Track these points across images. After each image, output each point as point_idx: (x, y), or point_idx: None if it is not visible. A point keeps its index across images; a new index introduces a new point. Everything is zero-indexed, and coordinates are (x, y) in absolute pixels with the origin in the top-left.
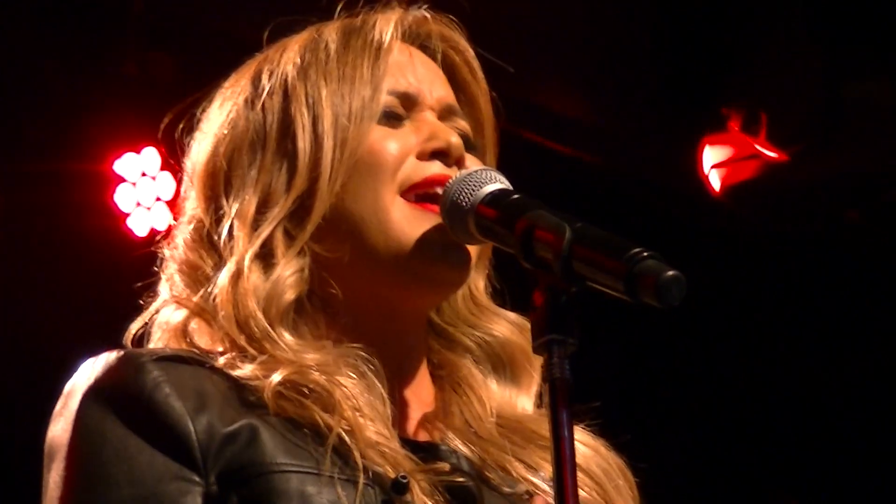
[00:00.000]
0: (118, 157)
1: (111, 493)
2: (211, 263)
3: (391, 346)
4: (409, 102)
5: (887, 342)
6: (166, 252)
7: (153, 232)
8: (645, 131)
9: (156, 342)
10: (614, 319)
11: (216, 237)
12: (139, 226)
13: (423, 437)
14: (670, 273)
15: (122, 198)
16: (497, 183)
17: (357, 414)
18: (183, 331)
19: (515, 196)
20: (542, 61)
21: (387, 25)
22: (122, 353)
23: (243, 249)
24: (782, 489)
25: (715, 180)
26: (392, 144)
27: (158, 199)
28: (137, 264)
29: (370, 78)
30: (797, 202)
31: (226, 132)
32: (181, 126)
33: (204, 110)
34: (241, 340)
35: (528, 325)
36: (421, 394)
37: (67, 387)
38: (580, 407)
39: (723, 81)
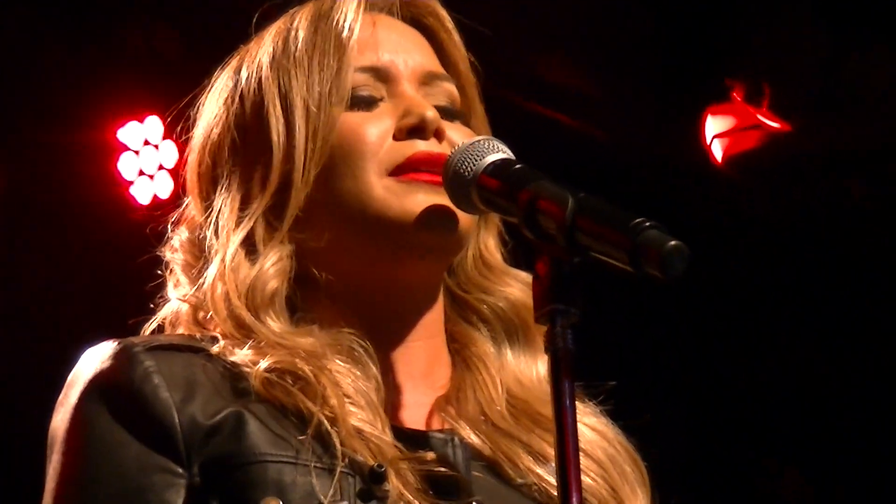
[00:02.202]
0: (121, 125)
1: (97, 486)
2: (203, 260)
3: (389, 327)
4: (382, 77)
5: (890, 313)
6: (168, 254)
7: (156, 200)
8: (648, 102)
9: (170, 330)
10: (614, 292)
11: (207, 235)
12: (142, 194)
13: (432, 424)
14: (673, 243)
15: (125, 166)
16: (499, 153)
17: (345, 401)
18: (193, 318)
19: (518, 166)
20: (545, 33)
21: (353, 1)
22: (116, 343)
23: (226, 245)
24: (782, 459)
25: (717, 151)
26: (366, 130)
27: (161, 167)
28: (140, 232)
29: (336, 61)
30: (800, 172)
31: (211, 130)
32: (184, 114)
33: (200, 104)
34: (231, 331)
35: None
36: (432, 378)
37: (69, 377)
38: (590, 388)
39: (726, 52)
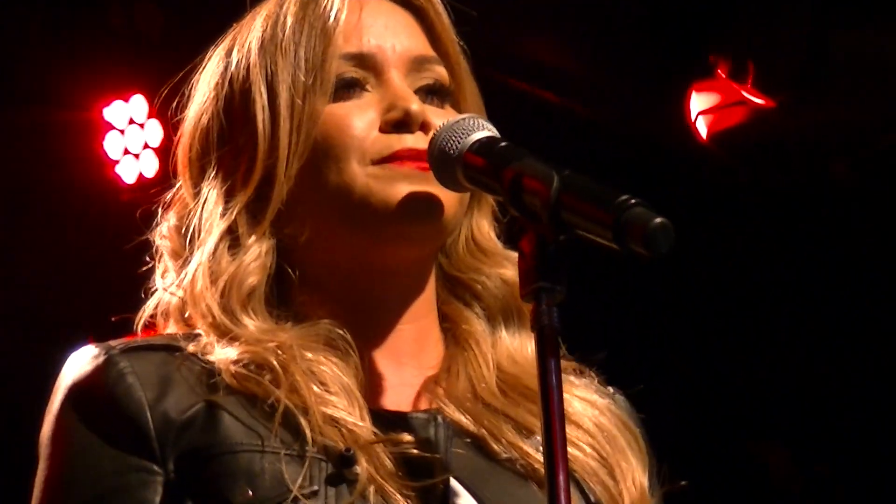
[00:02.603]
0: (106, 104)
1: (73, 491)
2: (189, 251)
3: (374, 314)
4: (368, 64)
5: (874, 289)
6: (157, 240)
7: (141, 179)
8: (632, 79)
9: (163, 328)
10: (599, 269)
11: (193, 224)
12: (127, 173)
13: (419, 405)
14: (658, 221)
15: (111, 145)
16: (484, 130)
17: (320, 388)
18: (181, 315)
19: (503, 144)
20: (530, 11)
21: None
22: (95, 347)
23: (209, 238)
24: (772, 438)
25: (702, 127)
26: (351, 122)
27: (146, 146)
28: (126, 211)
29: (322, 51)
30: (784, 149)
31: (200, 116)
32: (176, 103)
33: (191, 89)
34: (207, 325)
35: None
36: (421, 359)
37: (56, 383)
38: (581, 361)
39: (710, 29)
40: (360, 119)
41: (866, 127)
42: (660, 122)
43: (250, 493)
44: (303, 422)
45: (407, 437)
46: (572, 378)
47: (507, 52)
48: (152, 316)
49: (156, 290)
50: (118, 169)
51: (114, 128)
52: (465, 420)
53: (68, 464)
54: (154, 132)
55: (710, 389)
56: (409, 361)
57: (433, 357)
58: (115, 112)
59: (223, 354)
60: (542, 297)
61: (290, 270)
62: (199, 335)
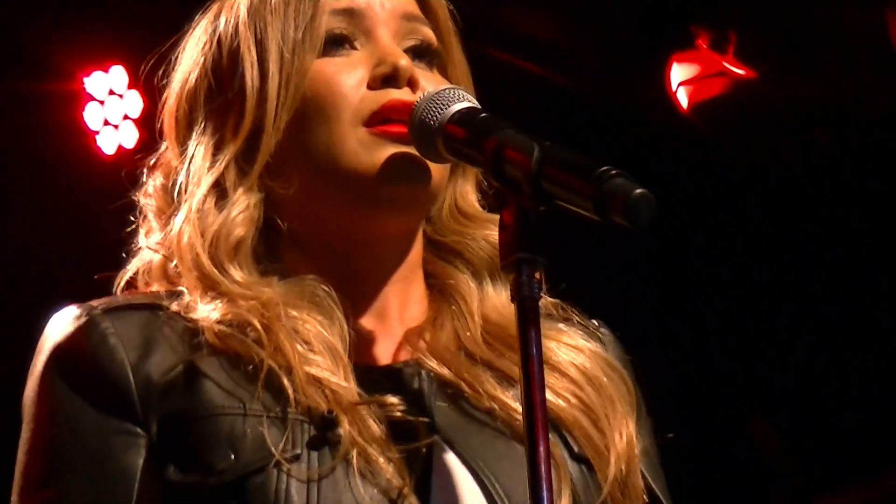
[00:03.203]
0: (86, 75)
1: (56, 455)
2: (174, 206)
3: (360, 272)
4: (356, 20)
5: (859, 260)
6: (142, 199)
7: (121, 150)
8: (613, 48)
9: (143, 286)
10: (582, 240)
11: (180, 181)
12: (107, 144)
13: (399, 358)
14: (639, 192)
15: (91, 116)
16: (465, 101)
17: (304, 348)
18: (164, 273)
19: (483, 115)
20: None
21: None
22: (76, 308)
23: (198, 191)
24: (761, 417)
25: (683, 98)
26: (340, 79)
27: (126, 116)
28: (107, 181)
29: (311, 6)
30: (765, 120)
31: (187, 76)
32: (161, 71)
33: (178, 54)
34: (194, 279)
35: None
36: (405, 312)
37: (38, 345)
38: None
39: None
40: (349, 76)
41: (848, 97)
42: (641, 93)
43: (233, 457)
44: (286, 383)
45: (391, 398)
46: (560, 325)
47: (488, 22)
48: (133, 277)
49: (139, 250)
50: (98, 139)
51: (94, 98)
52: (445, 372)
53: (52, 427)
54: (134, 103)
55: (699, 366)
56: (392, 318)
57: (417, 313)
58: (95, 83)
59: (206, 313)
60: (523, 268)
61: (278, 224)
62: (182, 293)
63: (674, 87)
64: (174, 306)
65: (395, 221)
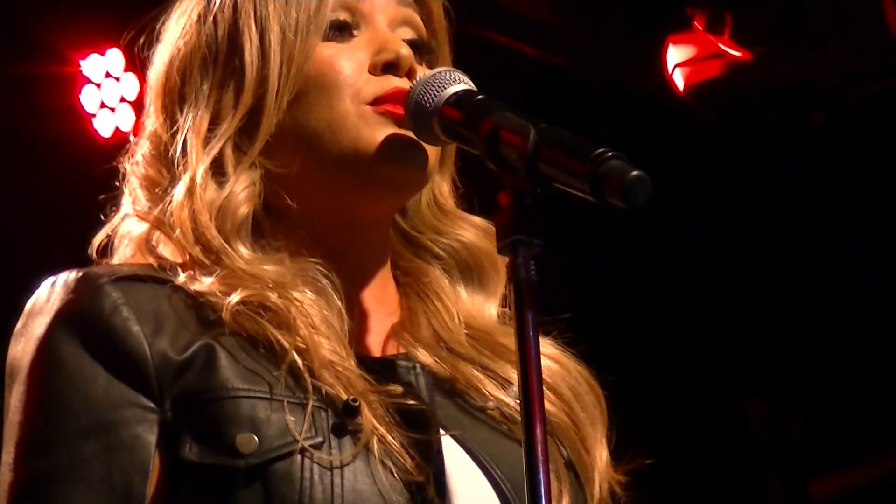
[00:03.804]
0: (83, 58)
1: (67, 420)
2: (169, 178)
3: (351, 257)
4: (356, 8)
5: (850, 240)
6: (127, 166)
7: (118, 132)
8: (609, 30)
9: (119, 254)
10: (578, 223)
11: (173, 153)
12: (104, 126)
13: (388, 350)
14: (635, 173)
15: (87, 99)
16: (461, 84)
17: (312, 332)
18: (146, 242)
19: (480, 97)
20: None
21: None
22: (80, 273)
23: (195, 165)
24: (745, 389)
25: (679, 80)
26: (343, 62)
27: (123, 99)
28: (104, 164)
29: None
30: (762, 102)
31: (180, 47)
32: (142, 39)
33: (163, 22)
34: (198, 254)
35: (494, 230)
36: (386, 304)
37: (28, 305)
38: (548, 318)
39: None
40: (350, 60)
41: (844, 78)
42: (636, 75)
43: (256, 440)
44: (304, 367)
45: (399, 388)
46: (548, 340)
47: (484, 4)
48: (108, 241)
49: (125, 217)
50: (95, 122)
51: (90, 81)
52: (438, 367)
53: (60, 389)
54: (131, 86)
55: (690, 341)
56: (377, 308)
57: (394, 306)
58: (92, 65)
59: (217, 289)
60: (519, 250)
61: (281, 200)
62: (175, 266)
63: (670, 68)
64: (179, 280)
65: (388, 201)
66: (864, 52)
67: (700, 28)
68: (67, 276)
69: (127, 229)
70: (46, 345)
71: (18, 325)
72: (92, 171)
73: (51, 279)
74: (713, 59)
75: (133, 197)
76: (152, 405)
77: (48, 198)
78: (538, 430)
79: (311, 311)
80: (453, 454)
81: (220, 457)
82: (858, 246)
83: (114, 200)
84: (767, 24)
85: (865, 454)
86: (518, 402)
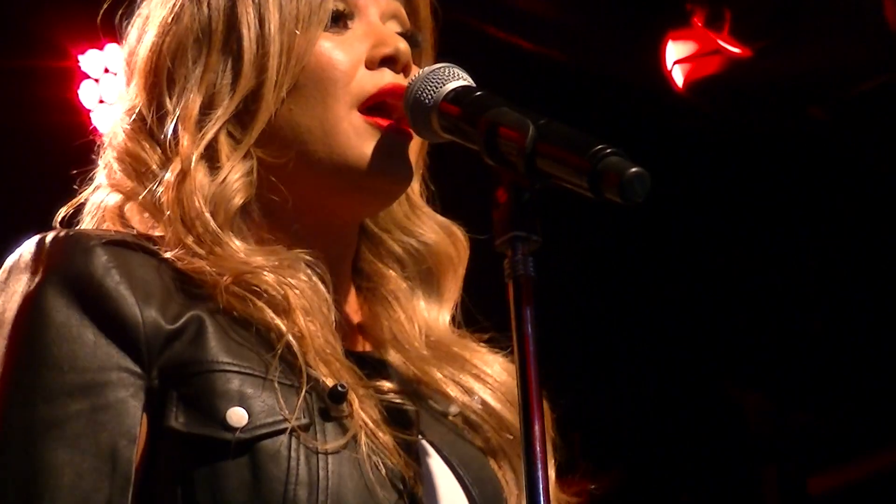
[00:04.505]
0: (81, 53)
1: (53, 376)
2: (156, 158)
3: (329, 253)
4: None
5: (850, 235)
6: (105, 139)
7: None
8: (608, 27)
9: (87, 224)
10: (576, 216)
11: (159, 133)
12: (102, 122)
13: (361, 347)
14: (634, 170)
15: (86, 94)
16: (460, 80)
17: (307, 319)
18: (119, 213)
19: (478, 93)
20: None
21: None
22: (70, 232)
23: (188, 149)
24: (744, 384)
25: (678, 76)
26: (341, 56)
27: None
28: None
29: None
30: (761, 98)
31: (170, 26)
32: (120, 11)
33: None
34: (189, 240)
35: (456, 229)
36: (351, 303)
37: (9, 261)
38: (498, 336)
39: None
40: (347, 53)
41: (843, 74)
42: (636, 70)
43: (247, 417)
44: (298, 351)
45: (387, 384)
46: (500, 356)
47: None
48: (79, 210)
49: (93, 185)
50: (93, 117)
51: (88, 76)
52: (405, 368)
53: (48, 343)
54: None
55: (689, 336)
56: (344, 306)
57: (356, 306)
58: (90, 61)
59: (212, 267)
60: (518, 247)
61: (272, 191)
62: (159, 240)
63: (669, 65)
64: (167, 254)
65: (370, 207)
66: (862, 48)
67: (699, 24)
68: (56, 235)
69: (98, 200)
70: (35, 300)
71: None
72: (90, 167)
73: (36, 237)
74: (712, 56)
75: (109, 169)
76: (139, 370)
77: (45, 194)
78: (537, 428)
79: (307, 298)
80: (430, 456)
81: (209, 429)
82: (858, 241)
83: (86, 174)
84: (766, 20)
85: (864, 450)
86: (482, 407)
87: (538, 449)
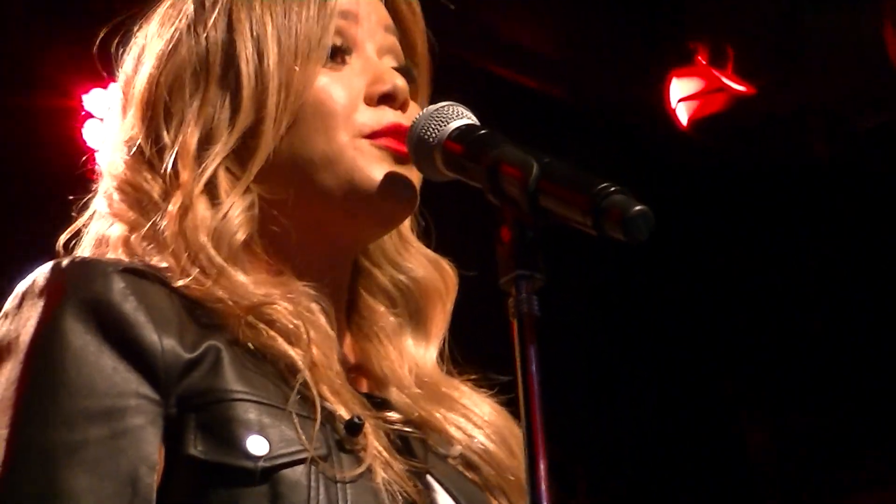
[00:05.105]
0: (85, 92)
1: (71, 400)
2: (157, 190)
3: (329, 286)
4: (349, 31)
5: (853, 270)
6: (102, 167)
7: None
8: (612, 65)
9: (90, 253)
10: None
11: (159, 166)
12: (98, 145)
13: (363, 385)
14: (637, 208)
15: (90, 134)
16: (464, 118)
17: (319, 350)
18: (124, 243)
19: (482, 131)
20: None
21: None
22: (85, 259)
23: (189, 185)
24: (746, 418)
25: (682, 114)
26: (340, 92)
27: None
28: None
29: (317, 16)
30: (765, 135)
31: (166, 58)
32: (116, 40)
33: (140, 27)
34: (195, 272)
35: (444, 263)
36: (347, 338)
37: (21, 286)
38: (479, 373)
39: (688, 13)
40: (346, 89)
41: (846, 109)
42: (640, 109)
43: (267, 445)
44: (311, 382)
45: (396, 415)
46: (486, 396)
47: (486, 36)
48: (76, 237)
49: (90, 212)
50: (98, 157)
51: (93, 116)
52: (406, 406)
53: (65, 370)
54: None
55: (692, 368)
56: (342, 340)
57: (349, 339)
58: (94, 100)
59: (228, 300)
60: (522, 285)
61: (272, 226)
62: (166, 270)
63: (673, 103)
64: (178, 282)
65: (376, 233)
66: (865, 84)
67: (703, 61)
68: (73, 260)
69: (101, 228)
70: (52, 325)
71: (7, 306)
72: (89, 196)
73: (50, 263)
74: (716, 94)
75: (109, 199)
76: (157, 397)
77: (49, 236)
78: (541, 466)
79: (317, 329)
80: (436, 490)
81: (230, 457)
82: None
83: (82, 201)
84: (768, 57)
85: (866, 484)
86: (482, 448)
87: (543, 489)
